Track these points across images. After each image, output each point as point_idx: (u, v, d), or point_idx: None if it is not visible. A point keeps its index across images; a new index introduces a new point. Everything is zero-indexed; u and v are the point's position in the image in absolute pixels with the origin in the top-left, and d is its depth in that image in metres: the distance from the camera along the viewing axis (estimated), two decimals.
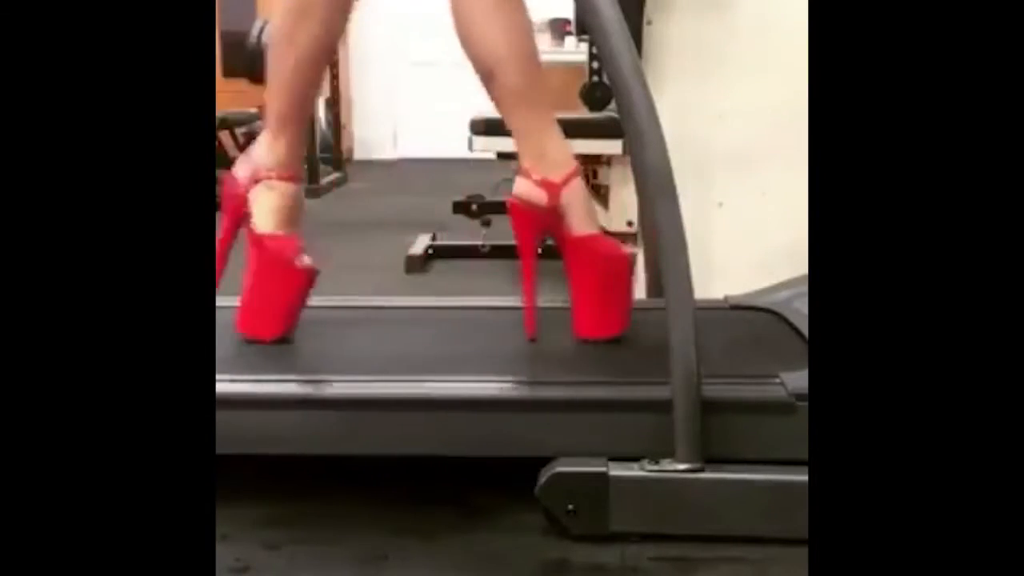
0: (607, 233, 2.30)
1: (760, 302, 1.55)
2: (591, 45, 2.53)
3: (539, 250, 1.38)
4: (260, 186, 1.41)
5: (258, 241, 1.40)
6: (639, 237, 2.23)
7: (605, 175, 2.49)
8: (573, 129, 2.41)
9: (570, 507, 1.14)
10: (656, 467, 1.14)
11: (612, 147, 2.32)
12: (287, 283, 1.39)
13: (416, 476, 1.29)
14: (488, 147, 2.47)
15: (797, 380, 1.17)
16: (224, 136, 5.63)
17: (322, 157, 5.34)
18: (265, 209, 1.41)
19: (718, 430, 1.14)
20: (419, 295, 2.62)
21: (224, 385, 1.06)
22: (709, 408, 1.13)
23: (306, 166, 5.34)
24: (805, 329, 1.37)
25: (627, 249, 1.40)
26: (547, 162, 1.35)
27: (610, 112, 2.35)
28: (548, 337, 1.40)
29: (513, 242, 1.39)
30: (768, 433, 1.16)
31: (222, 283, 1.37)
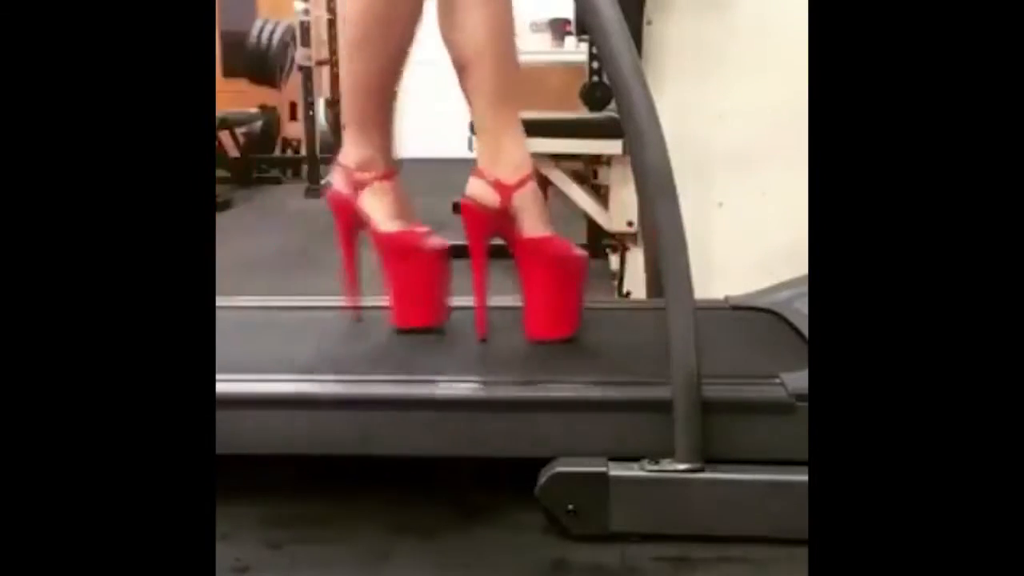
0: (603, 233, 2.30)
1: (760, 302, 1.55)
2: (591, 45, 2.54)
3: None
4: (366, 193, 1.43)
5: (387, 240, 1.42)
6: (639, 237, 2.23)
7: (605, 175, 2.49)
8: (573, 129, 2.42)
9: (570, 507, 1.14)
10: (656, 467, 1.14)
11: (612, 147, 2.33)
12: (429, 268, 1.41)
13: (416, 476, 1.29)
14: None
15: (797, 380, 1.17)
16: (224, 136, 5.64)
17: (322, 157, 5.34)
18: (380, 211, 1.43)
19: (718, 430, 1.14)
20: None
21: (225, 385, 1.06)
22: (709, 408, 1.13)
23: (306, 166, 5.38)
24: (805, 329, 1.37)
25: (580, 251, 1.40)
26: (503, 164, 1.35)
27: (610, 112, 2.36)
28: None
29: None
30: (768, 433, 1.16)
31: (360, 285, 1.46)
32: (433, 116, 6.50)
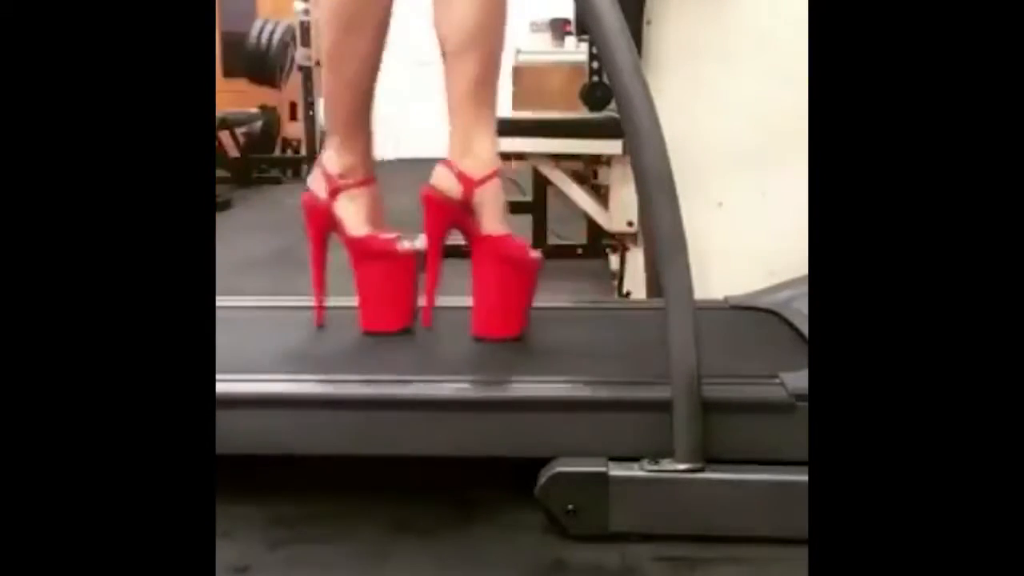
0: (603, 233, 2.30)
1: (760, 302, 1.55)
2: (591, 45, 2.54)
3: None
4: (342, 198, 1.46)
5: (358, 244, 1.44)
6: (639, 237, 2.23)
7: (605, 175, 2.49)
8: (573, 129, 2.42)
9: (570, 507, 1.14)
10: (656, 467, 1.14)
11: (612, 147, 2.33)
12: (398, 271, 1.44)
13: (416, 476, 1.29)
14: None
15: (797, 380, 1.17)
16: (224, 136, 5.64)
17: None
18: (354, 217, 1.45)
19: (718, 430, 1.14)
20: (418, 295, 2.62)
21: (225, 385, 1.06)
22: (709, 408, 1.13)
23: (306, 166, 5.38)
24: (805, 329, 1.37)
25: (535, 254, 1.42)
26: (471, 157, 1.37)
27: (610, 112, 2.36)
28: (547, 337, 1.40)
29: None
30: (768, 433, 1.16)
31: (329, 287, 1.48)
32: (433, 116, 6.53)
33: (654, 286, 1.93)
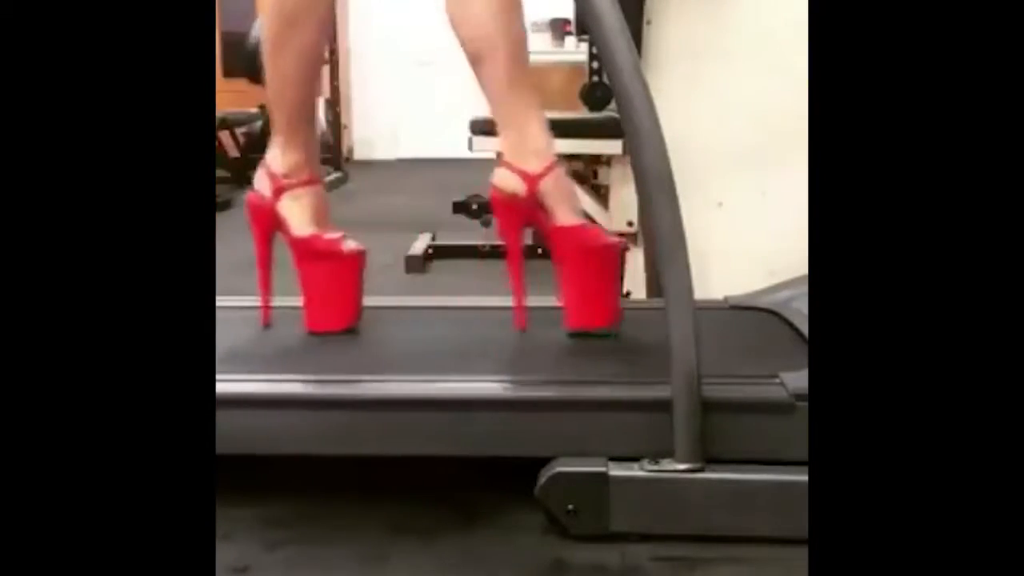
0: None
1: (760, 302, 1.55)
2: (591, 45, 2.53)
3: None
4: (286, 198, 1.45)
5: (302, 244, 1.44)
6: (639, 237, 2.23)
7: (605, 175, 2.49)
8: (573, 129, 2.42)
9: (570, 507, 1.14)
10: (656, 467, 1.14)
11: (612, 147, 2.32)
12: (343, 271, 1.44)
13: (416, 476, 1.29)
14: (488, 147, 2.47)
15: (797, 380, 1.17)
16: (224, 136, 5.63)
17: (322, 157, 5.33)
18: (298, 216, 1.45)
19: (718, 430, 1.14)
20: (419, 295, 2.62)
21: (225, 385, 1.06)
22: (709, 408, 1.13)
23: None
24: (805, 329, 1.37)
25: (613, 238, 1.40)
26: (526, 152, 1.35)
27: (610, 112, 2.35)
28: (547, 337, 1.40)
29: None
30: (768, 433, 1.16)
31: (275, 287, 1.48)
32: (433, 116, 6.52)
33: (654, 286, 1.93)
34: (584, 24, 1.60)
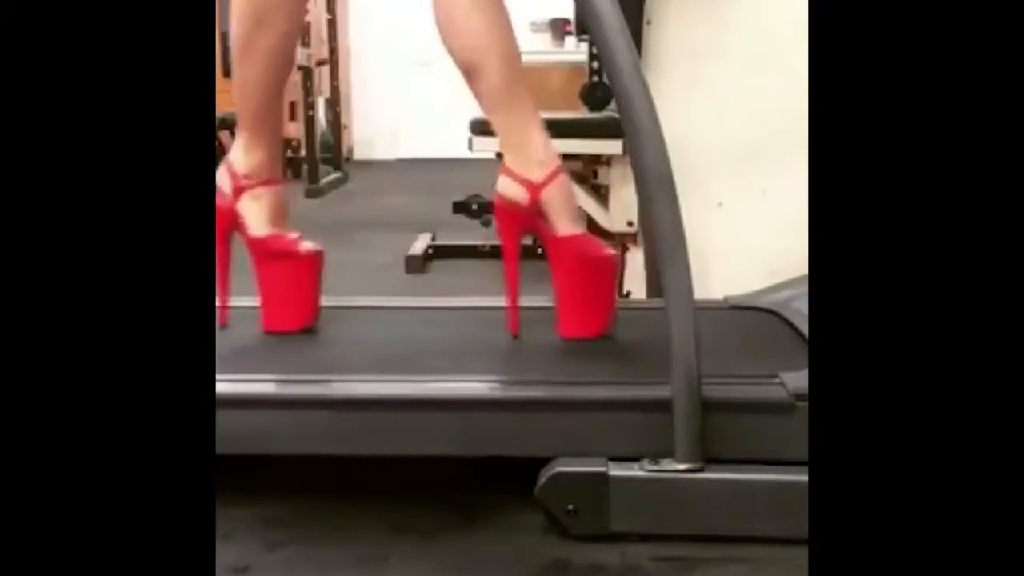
0: (605, 234, 2.31)
1: (760, 302, 1.55)
2: (591, 45, 2.53)
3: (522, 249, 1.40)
4: (245, 197, 1.45)
5: (260, 243, 1.44)
6: (639, 237, 2.23)
7: (605, 175, 2.48)
8: (573, 129, 2.42)
9: (570, 507, 1.14)
10: (656, 467, 1.14)
11: (612, 147, 2.32)
12: (300, 271, 1.44)
13: (416, 476, 1.29)
14: (488, 147, 2.47)
15: (797, 380, 1.17)
16: (224, 136, 5.63)
17: (322, 157, 5.33)
18: (257, 216, 1.45)
19: (718, 430, 1.14)
20: (419, 295, 2.62)
21: (224, 385, 1.06)
22: (709, 408, 1.13)
23: (306, 166, 5.37)
24: (805, 329, 1.37)
25: (610, 250, 1.41)
26: (528, 160, 1.35)
27: (610, 112, 2.35)
28: (547, 337, 1.40)
29: None
30: (768, 433, 1.16)
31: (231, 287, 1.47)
32: (433, 116, 6.52)
33: (654, 286, 1.93)
34: (584, 24, 1.60)
